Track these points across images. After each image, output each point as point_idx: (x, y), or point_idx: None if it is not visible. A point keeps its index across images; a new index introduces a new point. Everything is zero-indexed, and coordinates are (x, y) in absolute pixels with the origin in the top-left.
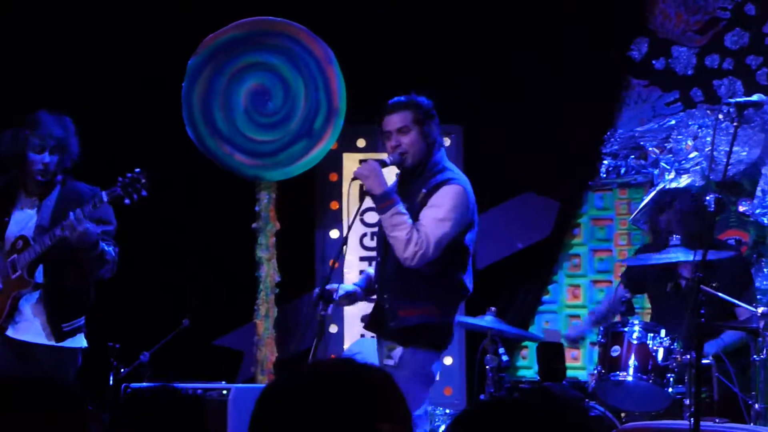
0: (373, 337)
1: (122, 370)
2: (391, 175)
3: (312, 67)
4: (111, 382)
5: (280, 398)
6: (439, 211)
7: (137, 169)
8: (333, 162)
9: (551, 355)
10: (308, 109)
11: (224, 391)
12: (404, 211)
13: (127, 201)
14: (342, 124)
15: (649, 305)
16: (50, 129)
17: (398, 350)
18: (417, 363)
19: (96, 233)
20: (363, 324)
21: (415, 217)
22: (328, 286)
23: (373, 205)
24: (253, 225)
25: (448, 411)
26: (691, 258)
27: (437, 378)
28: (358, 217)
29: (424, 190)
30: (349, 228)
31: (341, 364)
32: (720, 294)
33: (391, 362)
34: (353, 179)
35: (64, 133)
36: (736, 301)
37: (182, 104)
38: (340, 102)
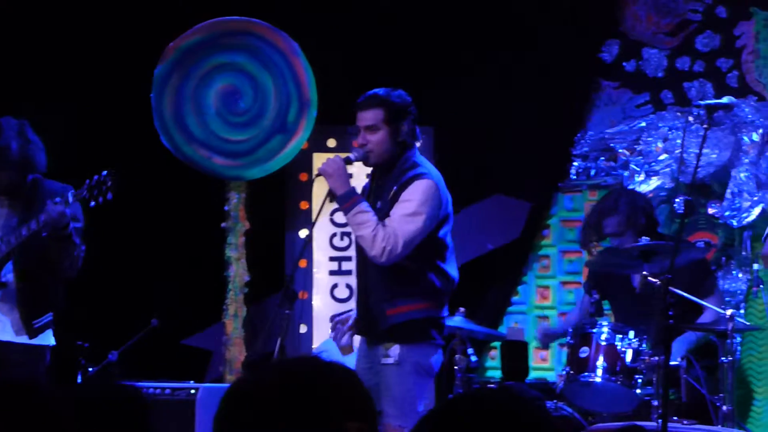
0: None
1: (90, 369)
2: (363, 171)
3: (278, 61)
4: (79, 381)
5: (245, 397)
6: (409, 206)
7: (104, 172)
8: (303, 162)
9: (514, 354)
10: (279, 104)
11: (192, 391)
12: (367, 209)
13: (92, 204)
14: (315, 114)
15: None
16: (9, 141)
17: (395, 347)
18: (416, 357)
19: (69, 214)
20: (351, 331)
21: (387, 215)
22: (343, 315)
23: None
24: (223, 224)
25: (431, 409)
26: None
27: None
28: (328, 217)
29: (395, 187)
30: (312, 225)
31: (307, 363)
32: (684, 294)
33: (390, 360)
34: (317, 175)
35: (24, 142)
36: (701, 301)
37: (153, 115)
38: (311, 92)
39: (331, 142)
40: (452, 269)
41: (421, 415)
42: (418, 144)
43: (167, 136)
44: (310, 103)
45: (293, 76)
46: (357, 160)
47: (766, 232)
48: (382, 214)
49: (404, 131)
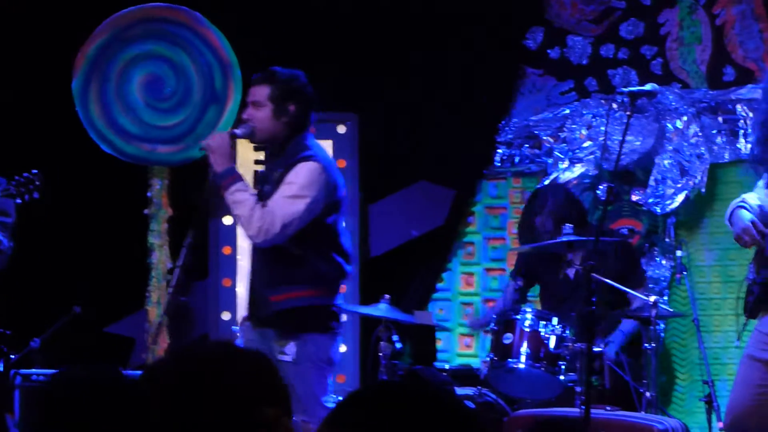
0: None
1: (12, 356)
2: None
3: (187, 36)
4: (1, 368)
5: (154, 385)
6: (291, 188)
7: (34, 171)
8: None
9: (422, 338)
10: (203, 76)
11: None
12: (245, 188)
13: (18, 201)
14: (240, 74)
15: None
16: None
17: (290, 345)
18: (313, 350)
19: None
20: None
21: None
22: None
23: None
24: (145, 211)
25: (341, 399)
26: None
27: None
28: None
29: (281, 170)
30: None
31: (221, 349)
32: (611, 282)
33: (287, 358)
34: (202, 149)
35: None
36: (628, 290)
37: (86, 127)
38: (229, 54)
39: None
40: (344, 259)
41: (327, 408)
42: (341, 130)
43: (106, 143)
44: (231, 64)
45: (207, 45)
46: (243, 136)
47: (727, 213)
48: (269, 196)
49: (291, 112)
